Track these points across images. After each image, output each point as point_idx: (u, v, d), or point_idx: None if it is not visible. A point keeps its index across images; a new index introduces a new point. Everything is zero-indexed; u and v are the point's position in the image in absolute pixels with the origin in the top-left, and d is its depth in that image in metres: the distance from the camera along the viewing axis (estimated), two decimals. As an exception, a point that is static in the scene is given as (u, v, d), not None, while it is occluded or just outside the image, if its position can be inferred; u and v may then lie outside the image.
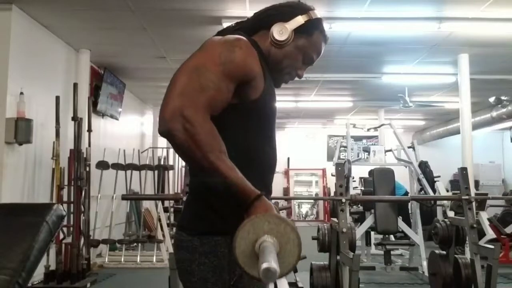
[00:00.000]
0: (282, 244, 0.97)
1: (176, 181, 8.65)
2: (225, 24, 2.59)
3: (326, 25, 1.31)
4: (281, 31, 1.22)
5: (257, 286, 1.14)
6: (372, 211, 5.10)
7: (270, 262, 0.85)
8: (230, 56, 1.09)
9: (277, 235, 0.96)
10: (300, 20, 1.23)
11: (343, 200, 3.32)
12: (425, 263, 4.84)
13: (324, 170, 12.52)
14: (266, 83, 1.18)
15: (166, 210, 6.06)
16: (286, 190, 12.23)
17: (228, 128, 1.10)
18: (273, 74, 1.27)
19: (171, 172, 7.47)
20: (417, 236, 5.14)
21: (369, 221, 5.14)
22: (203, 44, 1.14)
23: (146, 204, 7.59)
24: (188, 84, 1.04)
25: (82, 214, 4.84)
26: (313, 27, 1.27)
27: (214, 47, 1.12)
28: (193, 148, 1.00)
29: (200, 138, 1.00)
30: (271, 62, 1.25)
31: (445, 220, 4.09)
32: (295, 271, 3.65)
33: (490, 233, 4.32)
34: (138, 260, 5.76)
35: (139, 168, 6.30)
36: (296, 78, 1.35)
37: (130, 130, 8.25)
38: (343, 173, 3.72)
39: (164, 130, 1.01)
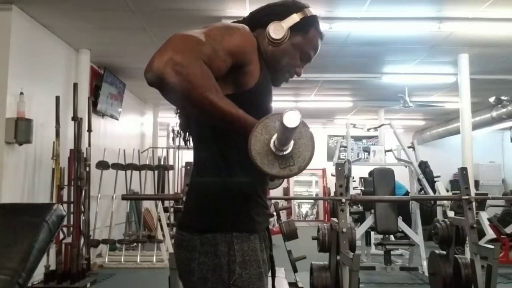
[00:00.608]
0: (295, 140, 0.98)
1: (176, 181, 8.65)
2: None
3: (326, 25, 1.32)
4: (276, 30, 1.21)
5: (257, 286, 1.14)
6: (372, 211, 5.10)
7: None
8: (231, 36, 1.10)
9: None
10: (295, 18, 1.24)
11: (343, 200, 3.31)
12: (425, 263, 4.83)
13: (324, 170, 12.51)
14: (261, 73, 1.18)
15: (166, 210, 6.06)
16: (286, 190, 12.22)
17: None
18: (272, 73, 1.27)
19: (171, 172, 7.46)
20: (417, 236, 5.14)
21: (369, 221, 5.14)
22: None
23: (146, 204, 7.59)
24: (182, 43, 1.01)
25: (82, 214, 4.84)
26: (309, 24, 1.27)
27: (216, 27, 1.12)
28: (188, 90, 0.95)
29: (194, 78, 0.95)
30: (269, 60, 1.25)
31: (445, 220, 4.09)
32: (295, 271, 3.64)
33: (490, 233, 4.33)
34: (138, 260, 5.76)
35: (139, 168, 6.30)
36: (296, 77, 1.35)
37: (130, 130, 8.25)
38: (343, 173, 3.72)
39: (153, 76, 0.94)
